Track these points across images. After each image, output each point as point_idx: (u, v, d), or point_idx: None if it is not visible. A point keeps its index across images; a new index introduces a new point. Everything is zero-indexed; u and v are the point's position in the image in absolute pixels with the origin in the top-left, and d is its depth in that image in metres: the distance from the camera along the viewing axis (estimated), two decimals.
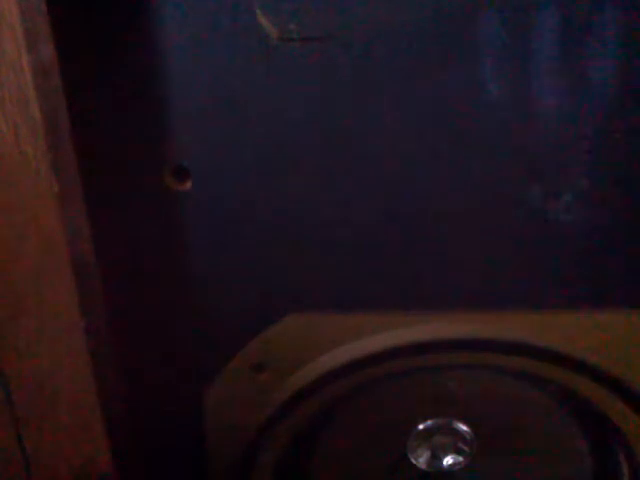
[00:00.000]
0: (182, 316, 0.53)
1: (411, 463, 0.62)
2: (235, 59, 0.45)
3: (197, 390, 0.55)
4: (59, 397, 0.65)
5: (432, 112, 0.46)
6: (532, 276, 0.51)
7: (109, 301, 0.50)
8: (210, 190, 0.48)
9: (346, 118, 0.46)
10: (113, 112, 0.46)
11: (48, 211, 0.56)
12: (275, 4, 0.43)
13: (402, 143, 0.47)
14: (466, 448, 0.62)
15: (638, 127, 0.46)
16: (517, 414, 0.61)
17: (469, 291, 0.51)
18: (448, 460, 0.62)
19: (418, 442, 0.61)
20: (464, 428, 0.61)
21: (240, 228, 0.50)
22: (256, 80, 0.45)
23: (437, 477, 0.64)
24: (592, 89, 0.45)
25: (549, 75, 0.45)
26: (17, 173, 0.55)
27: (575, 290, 0.51)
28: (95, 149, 0.47)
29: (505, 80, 0.45)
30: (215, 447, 0.57)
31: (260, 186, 0.48)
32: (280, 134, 0.47)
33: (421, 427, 0.61)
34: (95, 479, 0.69)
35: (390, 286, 0.51)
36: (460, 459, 0.62)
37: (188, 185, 0.48)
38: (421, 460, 0.62)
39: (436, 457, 0.62)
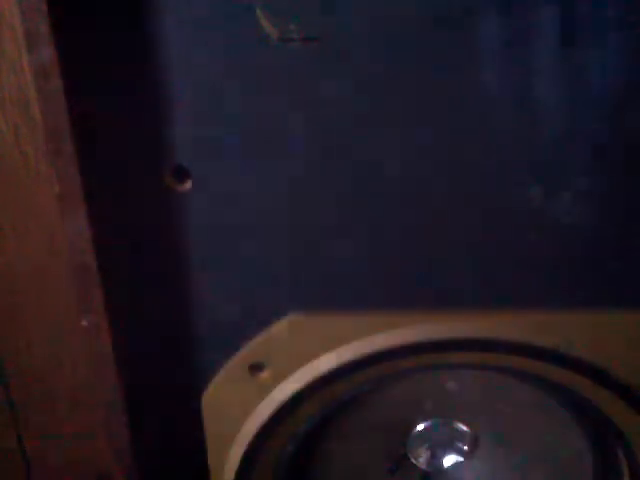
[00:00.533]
0: (182, 316, 0.53)
1: (411, 463, 0.62)
2: (235, 59, 0.45)
3: (197, 390, 0.55)
4: (59, 397, 0.65)
5: (432, 112, 0.46)
6: (532, 276, 0.51)
7: (109, 301, 0.50)
8: (210, 190, 0.48)
9: (346, 118, 0.46)
10: (113, 112, 0.46)
11: (48, 211, 0.56)
12: (275, 4, 0.43)
13: (402, 143, 0.47)
14: (466, 448, 0.62)
15: (638, 127, 0.46)
16: (517, 414, 0.61)
17: (469, 291, 0.51)
18: (448, 460, 0.62)
19: (418, 442, 0.61)
20: (464, 428, 0.61)
21: (240, 228, 0.50)
22: (256, 80, 0.45)
23: (437, 477, 0.64)
24: (592, 89, 0.45)
25: (549, 75, 0.45)
26: (17, 173, 0.55)
27: (575, 290, 0.51)
28: (95, 149, 0.47)
29: (505, 80, 0.45)
30: (215, 447, 0.57)
31: (260, 186, 0.48)
32: (280, 134, 0.47)
33: (421, 427, 0.61)
34: (95, 479, 0.69)
35: (390, 286, 0.51)
36: (460, 459, 0.62)
37: (188, 185, 0.48)
38: (421, 460, 0.62)
39: (436, 457, 0.62)
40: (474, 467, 0.64)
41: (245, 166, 0.48)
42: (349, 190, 0.48)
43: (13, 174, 0.55)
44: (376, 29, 0.44)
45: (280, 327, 0.52)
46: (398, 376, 0.57)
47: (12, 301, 0.61)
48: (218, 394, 0.55)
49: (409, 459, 0.62)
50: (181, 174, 0.48)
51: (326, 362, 0.53)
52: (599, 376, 0.52)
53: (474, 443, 0.61)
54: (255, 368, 0.54)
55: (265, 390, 0.54)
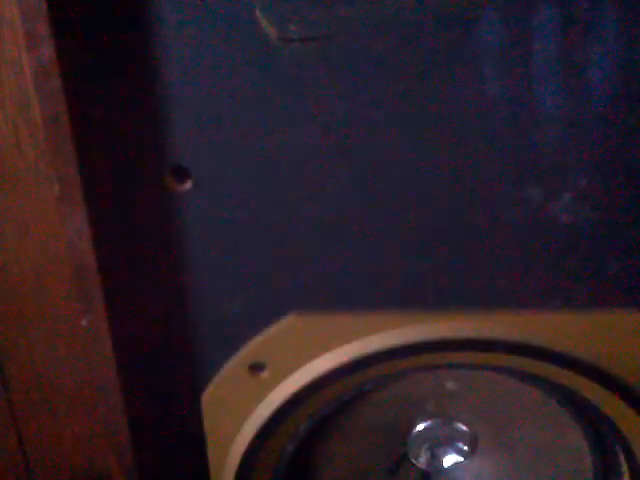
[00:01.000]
0: (182, 315, 0.53)
1: (411, 463, 0.62)
2: (235, 59, 0.45)
3: (197, 389, 0.55)
4: (59, 397, 0.65)
5: (432, 112, 0.46)
6: (532, 276, 0.51)
7: (109, 301, 0.50)
8: (210, 190, 0.48)
9: (346, 118, 0.46)
10: (113, 112, 0.46)
11: (48, 211, 0.56)
12: (275, 4, 0.43)
13: (402, 143, 0.47)
14: (466, 448, 0.62)
15: (638, 127, 0.46)
16: (517, 414, 0.61)
17: (469, 291, 0.51)
18: (448, 460, 0.62)
19: (418, 442, 0.61)
20: (464, 428, 0.61)
21: (240, 228, 0.50)
22: (256, 80, 0.45)
23: (437, 477, 0.64)
24: (592, 89, 0.45)
25: (549, 75, 0.45)
26: (17, 173, 0.55)
27: (575, 290, 0.51)
28: (95, 149, 0.47)
29: (505, 80, 0.45)
30: (215, 447, 0.57)
31: (260, 186, 0.48)
32: (280, 134, 0.47)
33: (421, 427, 0.61)
34: (95, 479, 0.69)
35: (390, 286, 0.51)
36: (460, 459, 0.62)
37: (188, 185, 0.48)
38: (421, 460, 0.62)
39: (436, 457, 0.62)
40: (474, 467, 0.64)
41: (245, 166, 0.48)
42: (349, 190, 0.48)
43: (13, 174, 0.55)
44: (376, 29, 0.44)
45: (280, 327, 0.52)
46: (398, 376, 0.57)
47: (12, 301, 0.61)
48: (218, 394, 0.55)
49: (409, 459, 0.62)
50: (181, 174, 0.48)
51: (326, 362, 0.53)
52: (599, 376, 0.52)
53: (474, 443, 0.61)
54: (255, 368, 0.54)
55: (265, 390, 0.54)
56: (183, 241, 0.50)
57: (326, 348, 0.53)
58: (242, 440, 0.55)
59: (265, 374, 0.54)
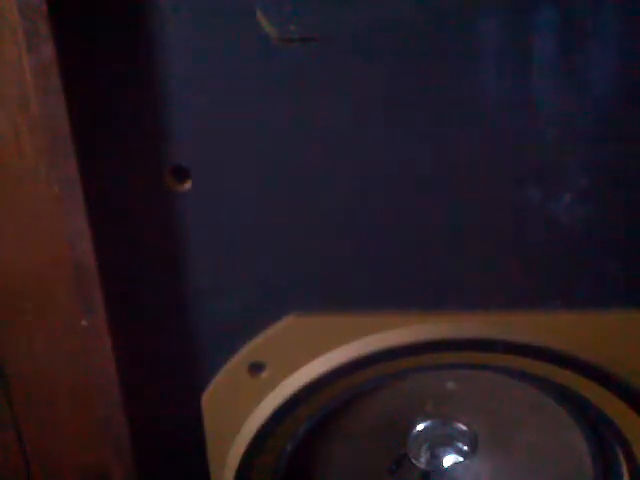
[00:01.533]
0: (182, 316, 0.53)
1: (411, 463, 0.62)
2: (235, 59, 0.45)
3: (197, 390, 0.55)
4: (59, 397, 0.65)
5: (432, 112, 0.46)
6: (532, 276, 0.51)
7: (109, 301, 0.50)
8: (210, 190, 0.48)
9: (346, 118, 0.46)
10: (113, 112, 0.46)
11: (48, 211, 0.56)
12: (275, 4, 0.43)
13: (402, 143, 0.47)
14: (466, 448, 0.62)
15: (638, 127, 0.46)
16: (517, 414, 0.61)
17: (469, 291, 0.51)
18: (448, 460, 0.62)
19: (418, 442, 0.61)
20: (464, 428, 0.61)
21: (240, 228, 0.50)
22: (256, 80, 0.45)
23: (437, 477, 0.64)
24: (592, 89, 0.45)
25: (549, 75, 0.45)
26: (17, 173, 0.55)
27: (575, 290, 0.51)
28: (95, 149, 0.47)
29: (505, 80, 0.45)
30: (215, 447, 0.57)
31: (260, 186, 0.48)
32: (280, 134, 0.47)
33: (421, 427, 0.61)
34: (95, 479, 0.69)
35: (390, 286, 0.51)
36: (460, 459, 0.62)
37: (188, 185, 0.48)
38: (421, 460, 0.62)
39: (436, 457, 0.62)
40: (474, 467, 0.64)
41: (245, 166, 0.48)
42: (349, 190, 0.48)
43: (13, 174, 0.55)
44: (376, 29, 0.44)
45: (280, 327, 0.52)
46: (398, 376, 0.57)
47: (12, 301, 0.61)
48: (218, 394, 0.55)
49: (409, 459, 0.62)
50: (181, 174, 0.48)
51: (326, 362, 0.53)
52: (599, 376, 0.52)
53: (474, 443, 0.61)
54: (255, 368, 0.54)
55: (265, 390, 0.54)
56: (183, 241, 0.50)
57: (326, 348, 0.53)
58: (242, 440, 0.56)
59: (265, 374, 0.54)
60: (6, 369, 0.64)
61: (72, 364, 0.63)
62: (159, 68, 0.45)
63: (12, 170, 0.55)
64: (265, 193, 0.48)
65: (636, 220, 0.49)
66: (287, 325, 0.52)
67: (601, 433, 0.60)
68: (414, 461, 0.62)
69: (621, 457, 0.59)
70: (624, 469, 0.59)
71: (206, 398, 0.55)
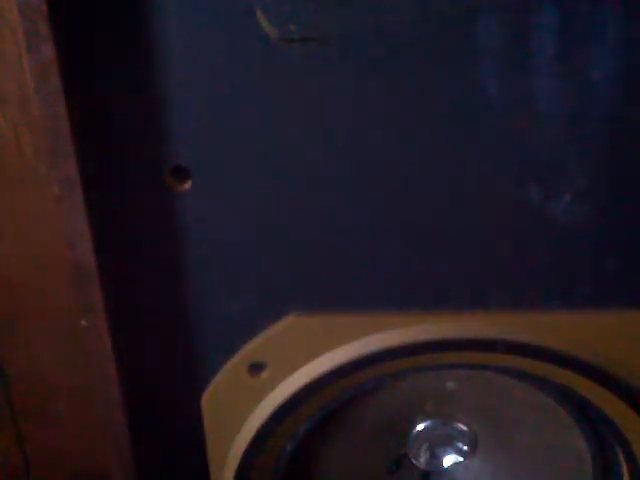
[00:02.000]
0: (182, 316, 0.53)
1: (411, 463, 0.62)
2: (235, 59, 0.45)
3: (197, 390, 0.55)
4: (59, 397, 0.65)
5: (432, 112, 0.46)
6: (532, 276, 0.51)
7: (109, 301, 0.50)
8: (210, 190, 0.48)
9: (346, 118, 0.46)
10: (113, 112, 0.46)
11: (48, 211, 0.56)
12: (275, 4, 0.43)
13: (402, 143, 0.47)
14: (466, 448, 0.62)
15: (638, 127, 0.46)
16: (517, 414, 0.61)
17: (469, 291, 0.51)
18: (448, 460, 0.62)
19: (418, 442, 0.61)
20: (464, 428, 0.61)
21: (240, 228, 0.50)
22: (256, 80, 0.45)
23: (437, 477, 0.64)
24: (592, 89, 0.45)
25: (549, 75, 0.45)
26: (17, 173, 0.55)
27: (575, 290, 0.51)
28: (95, 149, 0.47)
29: (505, 80, 0.45)
30: (215, 447, 0.57)
31: (260, 186, 0.48)
32: (280, 134, 0.47)
33: (421, 427, 0.61)
34: (95, 479, 0.69)
35: (390, 286, 0.51)
36: (460, 459, 0.62)
37: (188, 185, 0.48)
38: (421, 460, 0.62)
39: (436, 457, 0.62)
40: (474, 467, 0.64)
41: (245, 166, 0.48)
42: (349, 190, 0.48)
43: (13, 174, 0.55)
44: (376, 29, 0.44)
45: (280, 327, 0.52)
46: (398, 376, 0.57)
47: (12, 301, 0.61)
48: (218, 394, 0.55)
49: (409, 459, 0.62)
50: (181, 174, 0.48)
51: (326, 362, 0.53)
52: (599, 376, 0.52)
53: (474, 443, 0.61)
54: (255, 368, 0.54)
55: (265, 390, 0.54)
56: (183, 241, 0.50)
57: (326, 348, 0.53)
58: (242, 440, 0.56)
59: (265, 374, 0.54)
60: (6, 369, 0.64)
61: (72, 364, 0.63)
62: (159, 68, 0.45)
63: (12, 170, 0.55)
64: (265, 193, 0.48)
65: (636, 220, 0.49)
66: (287, 325, 0.52)
67: (601, 433, 0.60)
68: (414, 461, 0.62)
69: (621, 457, 0.58)
70: (624, 469, 0.59)
71: (206, 398, 0.55)
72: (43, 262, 0.58)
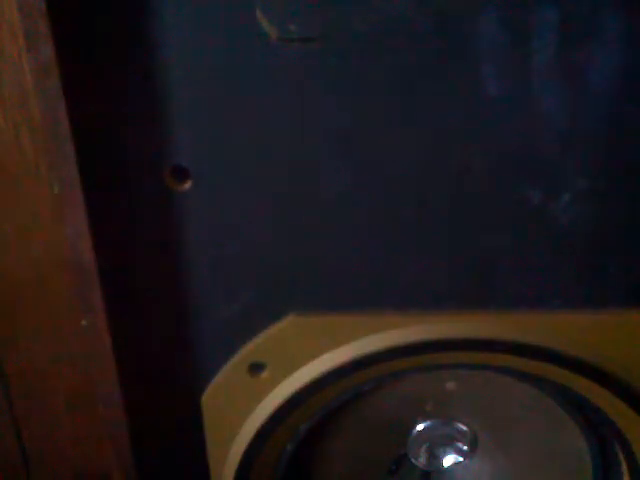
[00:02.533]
0: (182, 316, 0.53)
1: (411, 463, 0.62)
2: (235, 59, 0.45)
3: (197, 390, 0.55)
4: (59, 397, 0.65)
5: (431, 112, 0.46)
6: (532, 276, 0.51)
7: (109, 301, 0.50)
8: (210, 190, 0.48)
9: (346, 118, 0.46)
10: (113, 112, 0.46)
11: (48, 211, 0.56)
12: (275, 4, 0.43)
13: (402, 143, 0.47)
14: (466, 448, 0.62)
15: (638, 127, 0.46)
16: (517, 414, 0.61)
17: (469, 291, 0.51)
18: (448, 460, 0.62)
19: (418, 442, 0.61)
20: (464, 428, 0.61)
21: (240, 228, 0.50)
22: (256, 80, 0.45)
23: (437, 477, 0.64)
24: (592, 89, 0.45)
25: (549, 75, 0.45)
26: (17, 173, 0.55)
27: (575, 290, 0.51)
28: (95, 149, 0.47)
29: (505, 80, 0.45)
30: (215, 447, 0.57)
31: (260, 186, 0.48)
32: (280, 134, 0.47)
33: (421, 427, 0.61)
34: (95, 479, 0.69)
35: (389, 286, 0.51)
36: (460, 459, 0.62)
37: (188, 185, 0.48)
38: (421, 460, 0.62)
39: (436, 457, 0.62)
40: (474, 467, 0.64)
41: (245, 166, 0.48)
42: (349, 190, 0.48)
43: (13, 174, 0.55)
44: (376, 29, 0.44)
45: (280, 327, 0.52)
46: (398, 376, 0.57)
47: (12, 301, 0.61)
48: (218, 394, 0.55)
49: (409, 459, 0.62)
50: (181, 174, 0.48)
51: (326, 362, 0.53)
52: (599, 376, 0.52)
53: (474, 443, 0.61)
54: (255, 368, 0.54)
55: (265, 390, 0.54)
56: (183, 241, 0.50)
57: (326, 348, 0.53)
58: (242, 440, 0.56)
59: (265, 374, 0.54)
60: (6, 369, 0.64)
61: (72, 364, 0.63)
62: (159, 68, 0.45)
63: (12, 170, 0.55)
64: (265, 193, 0.48)
65: (636, 220, 0.49)
66: (287, 325, 0.52)
67: (601, 433, 0.60)
68: (414, 461, 0.62)
69: (621, 457, 0.59)
70: (624, 469, 0.59)
71: (206, 398, 0.55)
72: (43, 262, 0.58)
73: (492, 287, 0.51)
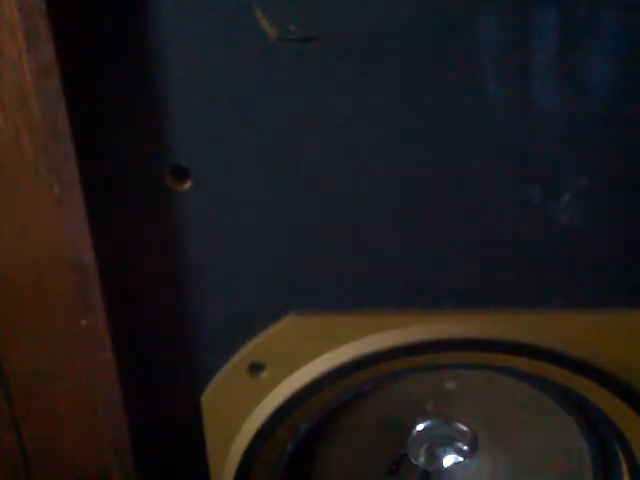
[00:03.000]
0: (182, 316, 0.53)
1: (411, 463, 0.62)
2: (235, 59, 0.45)
3: (197, 390, 0.55)
4: (59, 397, 0.65)
5: (432, 112, 0.46)
6: (532, 276, 0.51)
7: (109, 301, 0.50)
8: (210, 190, 0.48)
9: (346, 118, 0.46)
10: (113, 112, 0.46)
11: (48, 211, 0.56)
12: (275, 4, 0.43)
13: (402, 143, 0.47)
14: (466, 448, 0.62)
15: (638, 127, 0.46)
16: (517, 414, 0.61)
17: (469, 291, 0.51)
18: (448, 460, 0.62)
19: (418, 442, 0.61)
20: (464, 428, 0.61)
21: (240, 228, 0.50)
22: (256, 80, 0.45)
23: (437, 477, 0.64)
24: (592, 89, 0.45)
25: (549, 75, 0.45)
26: (17, 173, 0.55)
27: (575, 290, 0.51)
28: (95, 149, 0.47)
29: (505, 80, 0.45)
30: (215, 447, 0.57)
31: (260, 186, 0.48)
32: (280, 134, 0.47)
33: (421, 427, 0.61)
34: (95, 479, 0.69)
35: (389, 286, 0.51)
36: (460, 459, 0.62)
37: (188, 185, 0.48)
38: (421, 460, 0.62)
39: (436, 457, 0.62)
40: (474, 467, 0.64)
41: (245, 166, 0.48)
42: (349, 190, 0.48)
43: (13, 175, 0.55)
44: (376, 29, 0.44)
45: (280, 327, 0.52)
46: (398, 376, 0.57)
47: (12, 301, 0.61)
48: (218, 394, 0.55)
49: (409, 459, 0.62)
50: (181, 174, 0.48)
51: (326, 362, 0.53)
52: (599, 376, 0.52)
53: (474, 443, 0.61)
54: (255, 368, 0.54)
55: (265, 390, 0.54)
56: (183, 241, 0.50)
57: (326, 348, 0.53)
58: (242, 440, 0.56)
59: (265, 374, 0.54)
60: (6, 370, 0.64)
61: (72, 364, 0.63)
62: (159, 68, 0.45)
63: (12, 170, 0.55)
64: (265, 193, 0.48)
65: (636, 220, 0.49)
66: (287, 325, 0.52)
67: (601, 433, 0.60)
68: (414, 461, 0.62)
69: (621, 457, 0.59)
70: (624, 469, 0.59)
71: (206, 398, 0.55)
72: (43, 262, 0.58)
73: (492, 287, 0.51)
